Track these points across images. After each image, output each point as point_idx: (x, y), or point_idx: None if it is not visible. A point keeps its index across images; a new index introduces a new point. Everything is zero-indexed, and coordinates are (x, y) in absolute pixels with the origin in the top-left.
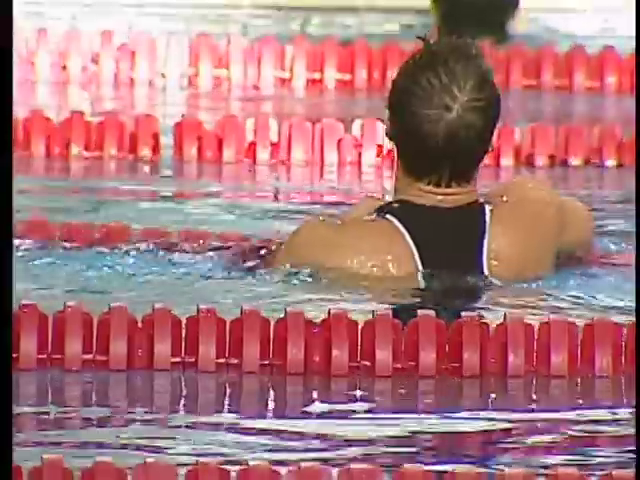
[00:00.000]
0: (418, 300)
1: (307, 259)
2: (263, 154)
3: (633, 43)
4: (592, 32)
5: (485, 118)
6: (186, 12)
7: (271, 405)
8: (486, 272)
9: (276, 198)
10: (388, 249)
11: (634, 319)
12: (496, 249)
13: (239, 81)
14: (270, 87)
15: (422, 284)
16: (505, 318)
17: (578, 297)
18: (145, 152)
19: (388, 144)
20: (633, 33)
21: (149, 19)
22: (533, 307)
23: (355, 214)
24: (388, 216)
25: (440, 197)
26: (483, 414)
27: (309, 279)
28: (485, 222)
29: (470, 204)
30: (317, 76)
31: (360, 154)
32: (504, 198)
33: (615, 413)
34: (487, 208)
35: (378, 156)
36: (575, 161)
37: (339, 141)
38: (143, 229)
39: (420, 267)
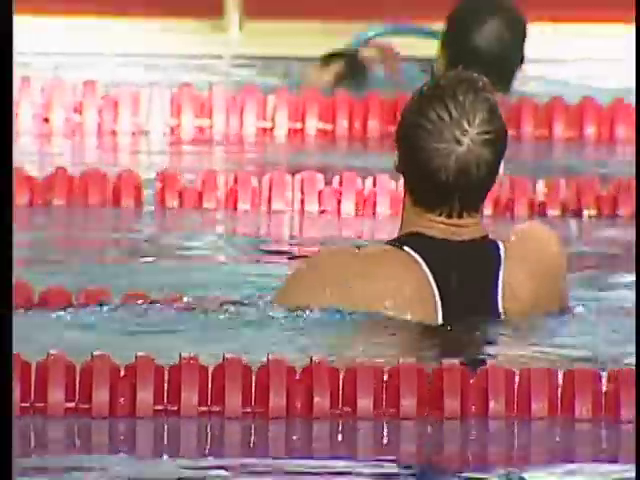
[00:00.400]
0: (437, 343)
1: (322, 286)
2: (244, 205)
3: (612, 93)
4: (571, 81)
5: (494, 150)
6: (168, 62)
7: (254, 449)
8: (500, 307)
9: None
10: (406, 279)
11: (607, 369)
12: (511, 284)
13: (221, 131)
14: (252, 136)
15: (440, 320)
16: (486, 364)
17: (560, 344)
18: (128, 205)
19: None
20: (612, 84)
21: (132, 69)
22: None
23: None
24: (404, 247)
25: (452, 229)
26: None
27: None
28: (500, 257)
29: (483, 238)
30: (299, 126)
31: (339, 203)
32: (513, 237)
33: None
34: (500, 243)
35: (357, 207)
36: (553, 212)
37: (319, 193)
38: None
39: (438, 299)
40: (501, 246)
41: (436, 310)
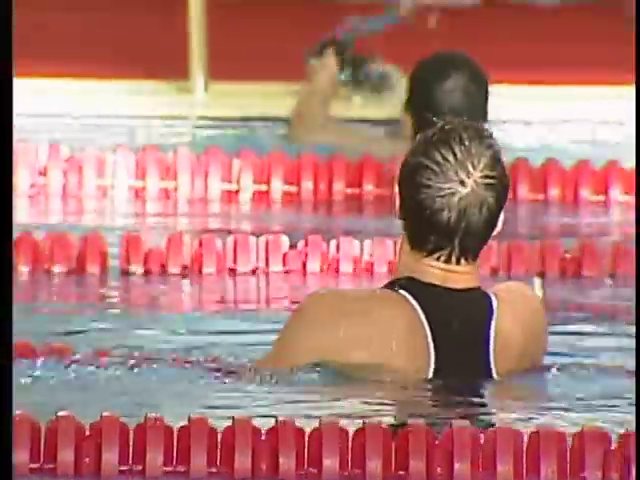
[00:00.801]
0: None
1: (310, 331)
2: (208, 268)
3: (577, 154)
4: (534, 144)
5: (497, 196)
6: (133, 123)
7: None
8: (492, 361)
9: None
10: (399, 321)
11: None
12: (503, 336)
13: (186, 193)
14: (217, 199)
15: (431, 372)
16: (451, 425)
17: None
18: (93, 270)
19: (334, 254)
20: (576, 146)
21: (97, 131)
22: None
23: None
24: (399, 290)
25: (449, 275)
26: None
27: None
28: (492, 308)
29: (478, 289)
30: (264, 188)
31: (305, 265)
32: (500, 292)
33: None
34: (492, 295)
35: (322, 268)
36: (518, 273)
37: (284, 255)
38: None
39: (432, 346)
40: (493, 298)
41: (429, 359)
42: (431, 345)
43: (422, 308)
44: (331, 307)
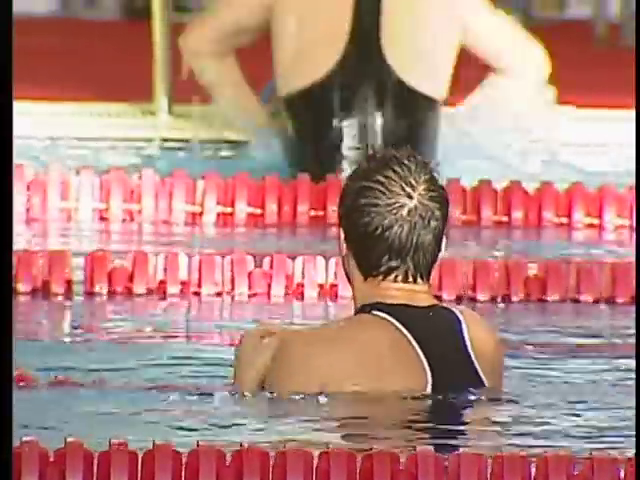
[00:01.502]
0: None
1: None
2: (173, 289)
3: (539, 178)
4: (498, 167)
5: (442, 209)
6: (98, 145)
7: None
8: (479, 369)
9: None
10: (386, 341)
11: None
12: (478, 344)
13: (150, 215)
14: (181, 221)
15: (430, 388)
16: (415, 449)
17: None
18: (57, 290)
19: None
20: (541, 169)
21: (60, 152)
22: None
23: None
24: (376, 312)
25: (412, 294)
26: None
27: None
28: (460, 321)
29: (439, 305)
30: (228, 210)
31: (270, 286)
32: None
33: None
34: (454, 309)
35: (288, 290)
36: (482, 296)
37: (249, 274)
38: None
39: (425, 363)
40: (457, 312)
41: (425, 375)
42: (424, 361)
43: (404, 326)
44: (315, 338)
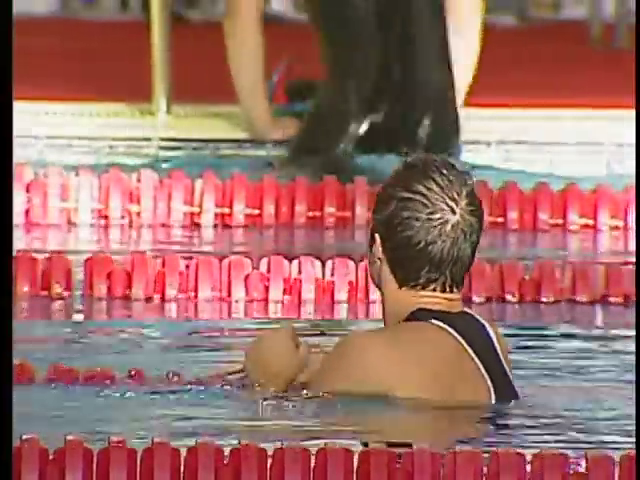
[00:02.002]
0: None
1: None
2: (171, 290)
3: (535, 177)
4: (495, 164)
5: (480, 222)
6: (97, 145)
7: None
8: (511, 379)
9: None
10: (452, 351)
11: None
12: (504, 356)
13: (149, 215)
14: (179, 221)
15: (494, 397)
16: (412, 447)
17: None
18: (57, 290)
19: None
20: (535, 168)
21: (60, 153)
22: None
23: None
24: (433, 320)
25: (449, 302)
26: None
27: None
28: (487, 330)
29: (468, 312)
30: (226, 210)
31: (267, 289)
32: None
33: None
34: (480, 319)
35: (285, 292)
36: (478, 298)
37: (246, 277)
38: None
39: (485, 373)
40: (480, 318)
41: (486, 384)
42: (482, 370)
43: (459, 334)
44: (380, 341)
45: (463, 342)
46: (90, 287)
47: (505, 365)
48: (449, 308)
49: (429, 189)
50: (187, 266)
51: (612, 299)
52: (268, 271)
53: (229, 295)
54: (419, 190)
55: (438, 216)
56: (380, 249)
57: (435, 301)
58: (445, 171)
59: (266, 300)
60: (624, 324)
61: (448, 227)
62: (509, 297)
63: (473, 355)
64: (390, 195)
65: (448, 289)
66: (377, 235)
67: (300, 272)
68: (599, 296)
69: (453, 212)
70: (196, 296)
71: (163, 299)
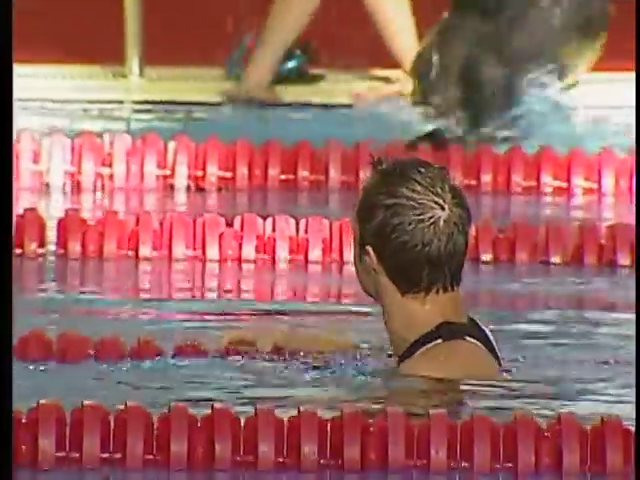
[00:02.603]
0: None
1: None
2: (145, 249)
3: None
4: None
5: (468, 212)
6: (69, 108)
7: None
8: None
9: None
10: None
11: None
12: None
13: (122, 179)
14: (152, 185)
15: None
16: (386, 413)
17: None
18: (31, 247)
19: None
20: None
21: (32, 116)
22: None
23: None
24: (467, 338)
25: (455, 307)
26: None
27: None
28: (487, 335)
29: (470, 318)
30: (199, 173)
31: (241, 247)
32: None
33: None
34: (479, 322)
35: (259, 251)
36: None
37: (220, 235)
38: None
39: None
40: (477, 321)
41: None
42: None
43: (485, 347)
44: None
45: (491, 356)
46: (64, 246)
47: (495, 345)
48: (459, 315)
49: (413, 190)
50: (161, 224)
51: (587, 260)
52: (242, 229)
53: (203, 253)
54: (404, 194)
55: (429, 215)
56: (375, 260)
57: (445, 307)
58: (423, 170)
59: (239, 259)
60: (598, 287)
61: (441, 224)
62: (483, 257)
63: (496, 365)
64: (375, 204)
65: (450, 287)
66: (369, 247)
67: (274, 230)
68: (572, 256)
69: (442, 208)
70: (170, 254)
71: (137, 257)
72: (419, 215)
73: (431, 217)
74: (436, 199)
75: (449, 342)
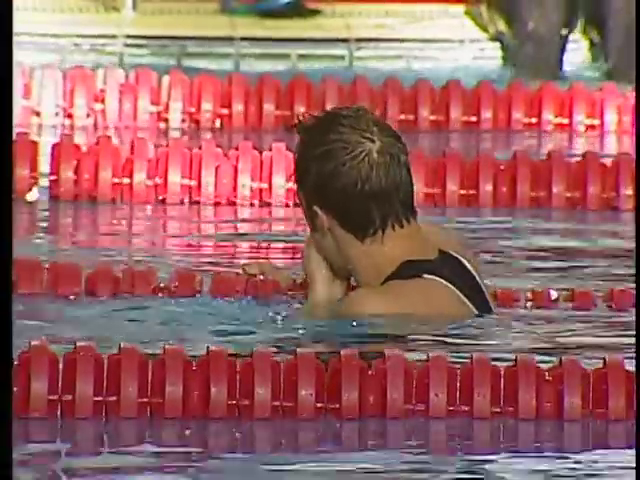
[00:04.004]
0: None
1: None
2: (140, 175)
3: (507, 74)
4: (467, 63)
5: (401, 141)
6: (60, 42)
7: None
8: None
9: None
10: (450, 306)
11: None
12: (481, 282)
13: (114, 114)
14: (145, 120)
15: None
16: (385, 357)
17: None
18: (24, 172)
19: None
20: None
21: (23, 50)
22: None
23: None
24: (425, 275)
25: (420, 241)
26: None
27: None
28: (466, 266)
29: (444, 253)
30: (193, 110)
31: (237, 170)
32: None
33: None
34: (457, 255)
35: (254, 174)
36: (452, 187)
37: (217, 167)
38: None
39: (472, 308)
40: (456, 255)
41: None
42: (471, 307)
43: (449, 282)
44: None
45: (455, 290)
46: (57, 173)
47: (482, 285)
48: (426, 251)
49: (341, 132)
50: (156, 150)
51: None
52: (237, 158)
53: (199, 180)
54: (331, 139)
55: (360, 150)
56: (324, 217)
57: (408, 244)
58: (345, 112)
59: (235, 186)
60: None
61: (375, 155)
62: (487, 187)
63: (463, 298)
64: (306, 159)
65: (405, 221)
66: (316, 208)
67: (271, 159)
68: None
69: (372, 141)
70: (165, 182)
71: (132, 185)
72: (350, 153)
73: (362, 151)
74: (364, 134)
75: (403, 281)
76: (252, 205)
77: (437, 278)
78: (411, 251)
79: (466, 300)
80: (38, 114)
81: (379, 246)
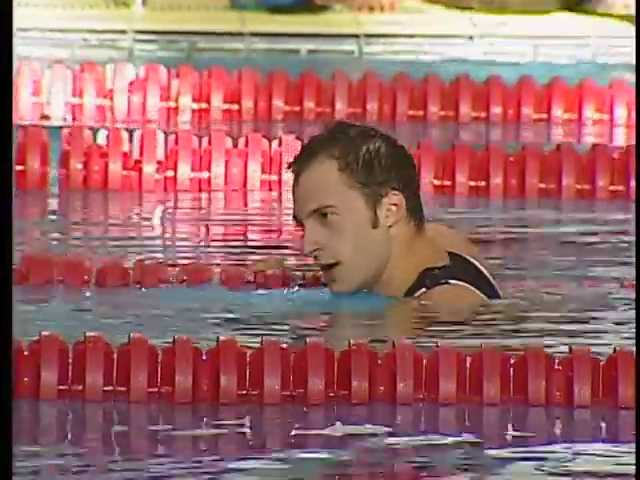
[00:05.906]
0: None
1: None
2: (149, 167)
3: (518, 70)
4: (478, 59)
5: None
6: (71, 38)
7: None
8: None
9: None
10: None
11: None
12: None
13: (124, 109)
14: (155, 115)
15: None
16: (394, 346)
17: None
18: (34, 164)
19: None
20: (517, 60)
21: (33, 45)
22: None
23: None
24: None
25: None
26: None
27: None
28: (477, 267)
29: (453, 255)
30: (204, 105)
31: (246, 165)
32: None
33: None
34: (469, 258)
35: (263, 167)
36: (461, 178)
37: (226, 151)
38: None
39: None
40: (467, 257)
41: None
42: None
43: (472, 285)
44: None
45: (476, 290)
46: (67, 162)
47: (490, 278)
48: (441, 256)
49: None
50: (166, 139)
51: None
52: (246, 145)
53: (209, 170)
54: (382, 134)
55: (398, 143)
56: (399, 197)
57: (436, 235)
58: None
59: (245, 178)
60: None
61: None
62: (496, 180)
63: (484, 297)
64: (373, 141)
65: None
66: (393, 192)
67: (281, 148)
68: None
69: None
70: (175, 171)
71: (141, 175)
72: (394, 142)
73: (396, 142)
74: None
75: (449, 286)
76: (262, 197)
77: (461, 282)
78: (440, 241)
79: (486, 298)
80: (47, 109)
81: (423, 235)
